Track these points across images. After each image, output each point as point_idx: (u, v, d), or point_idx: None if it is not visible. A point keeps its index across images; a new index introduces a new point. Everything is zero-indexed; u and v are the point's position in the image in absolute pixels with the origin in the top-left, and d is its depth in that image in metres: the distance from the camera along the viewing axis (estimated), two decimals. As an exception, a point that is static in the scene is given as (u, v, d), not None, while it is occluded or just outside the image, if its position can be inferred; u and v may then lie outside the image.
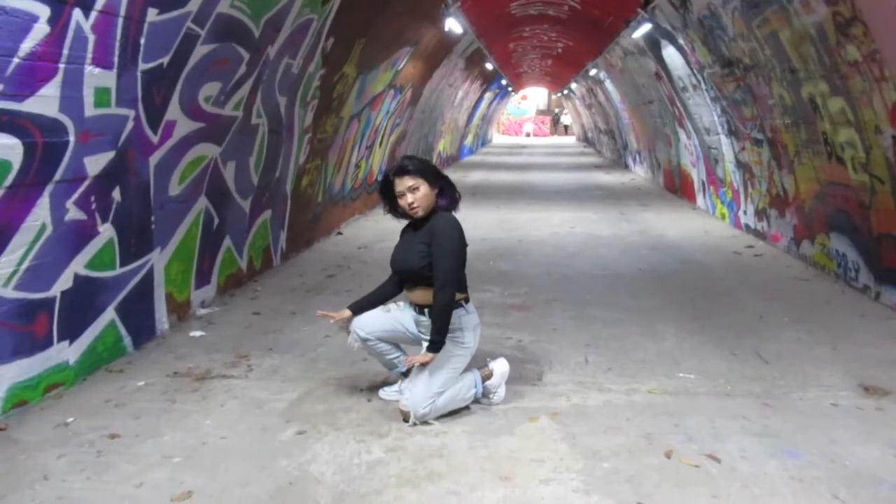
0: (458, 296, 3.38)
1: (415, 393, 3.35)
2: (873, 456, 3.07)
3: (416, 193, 3.32)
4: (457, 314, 3.37)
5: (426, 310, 3.41)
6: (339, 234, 8.81)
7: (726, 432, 3.29)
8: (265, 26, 5.38)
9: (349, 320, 3.55)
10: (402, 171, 3.35)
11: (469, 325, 3.44)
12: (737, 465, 2.98)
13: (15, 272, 3.38)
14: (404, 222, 3.57)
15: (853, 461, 3.02)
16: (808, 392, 3.77)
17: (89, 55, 3.58)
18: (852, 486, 2.82)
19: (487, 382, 3.57)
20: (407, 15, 9.07)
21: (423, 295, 3.40)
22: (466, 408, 3.53)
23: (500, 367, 3.64)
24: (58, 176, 3.56)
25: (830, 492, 2.78)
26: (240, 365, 4.16)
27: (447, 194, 3.45)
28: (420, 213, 3.35)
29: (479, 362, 3.64)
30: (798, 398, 3.69)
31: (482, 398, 3.59)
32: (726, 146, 9.25)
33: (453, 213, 3.47)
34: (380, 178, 10.87)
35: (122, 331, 4.26)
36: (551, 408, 3.56)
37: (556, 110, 46.59)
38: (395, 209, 3.49)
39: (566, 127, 45.29)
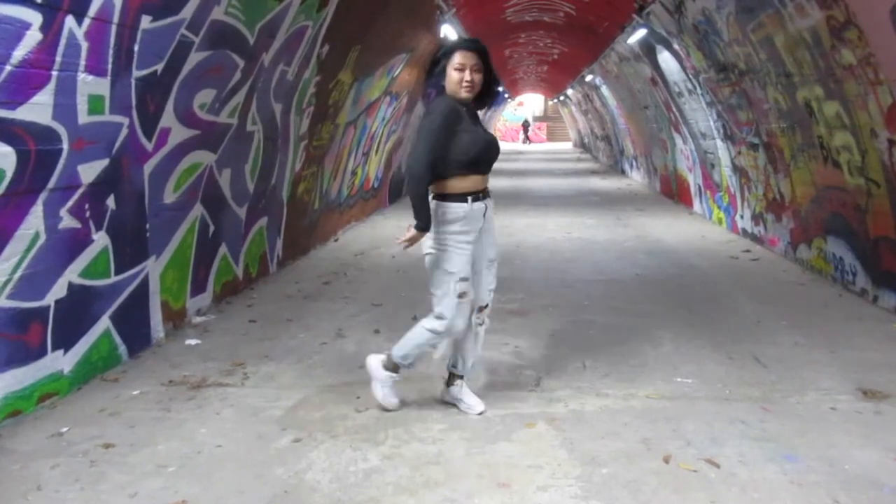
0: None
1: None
2: (872, 460, 3.05)
3: (477, 75, 3.37)
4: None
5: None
6: (336, 240, 8.80)
7: (725, 437, 3.27)
8: (260, 33, 5.37)
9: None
10: (477, 48, 3.38)
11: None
12: (735, 470, 2.97)
13: (8, 281, 3.36)
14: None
15: (852, 465, 3.01)
16: (806, 396, 3.76)
17: (82, 62, 3.57)
18: (851, 490, 2.81)
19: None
20: (402, 22, 9.08)
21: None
22: (464, 415, 3.52)
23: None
24: (51, 184, 3.54)
25: (829, 496, 2.76)
26: (235, 373, 4.14)
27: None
28: (470, 95, 3.38)
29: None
30: (796, 402, 3.68)
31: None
32: (722, 151, 9.26)
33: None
34: (376, 185, 10.92)
35: (117, 339, 4.23)
36: (549, 413, 3.55)
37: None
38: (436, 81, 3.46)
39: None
